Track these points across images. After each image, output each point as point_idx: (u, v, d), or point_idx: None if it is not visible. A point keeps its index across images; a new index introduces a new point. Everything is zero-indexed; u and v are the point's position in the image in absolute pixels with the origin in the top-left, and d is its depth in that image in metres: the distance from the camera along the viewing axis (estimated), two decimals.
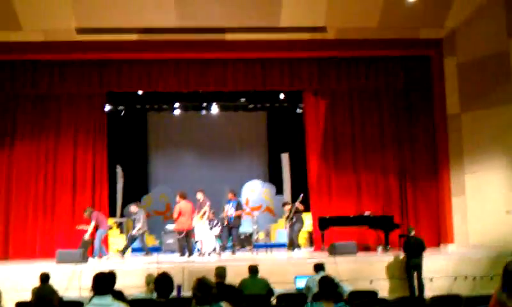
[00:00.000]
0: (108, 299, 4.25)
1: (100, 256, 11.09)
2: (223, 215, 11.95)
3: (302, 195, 11.88)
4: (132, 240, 11.94)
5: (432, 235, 12.04)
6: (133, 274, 9.03)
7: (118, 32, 11.37)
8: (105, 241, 11.84)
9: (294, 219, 11.72)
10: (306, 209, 12.30)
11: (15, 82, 11.96)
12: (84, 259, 10.14)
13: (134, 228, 11.85)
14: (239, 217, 11.80)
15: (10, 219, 11.70)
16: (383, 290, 8.46)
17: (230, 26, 11.47)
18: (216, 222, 11.95)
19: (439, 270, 9.81)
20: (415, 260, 9.43)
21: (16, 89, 12.04)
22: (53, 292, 4.16)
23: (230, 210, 11.75)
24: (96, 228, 11.06)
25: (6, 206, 11.74)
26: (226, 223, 11.78)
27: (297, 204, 11.75)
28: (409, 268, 9.44)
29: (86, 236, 10.97)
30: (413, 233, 9.88)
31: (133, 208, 12.09)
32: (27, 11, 10.71)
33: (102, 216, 11.38)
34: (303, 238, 13.32)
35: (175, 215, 11.14)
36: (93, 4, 10.66)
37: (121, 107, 15.24)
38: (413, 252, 9.50)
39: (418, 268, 9.42)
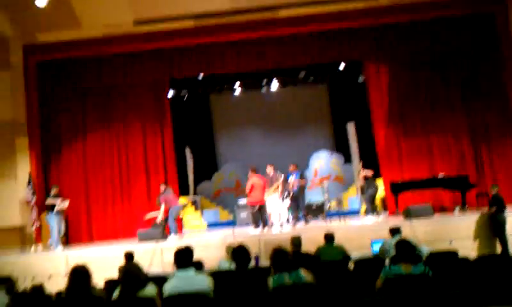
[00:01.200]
0: (191, 272, 4.45)
1: (177, 233, 11.40)
2: (287, 188, 12.00)
3: (361, 162, 11.68)
4: None
5: (511, 193, 11.52)
6: (212, 247, 9.39)
7: (174, 20, 11.56)
8: (178, 219, 12.09)
9: (366, 186, 11.58)
10: (376, 174, 12.10)
11: (81, 78, 12.49)
12: (163, 236, 10.60)
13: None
14: (302, 187, 11.81)
15: (91, 206, 12.37)
16: (463, 249, 8.19)
17: (282, 3, 11.40)
18: (286, 194, 12.04)
19: None
20: (503, 216, 9.15)
21: (83, 85, 12.56)
22: (139, 269, 4.40)
23: (293, 182, 11.78)
24: (167, 210, 11.34)
25: (86, 194, 12.39)
26: (291, 195, 11.83)
27: (363, 172, 11.60)
28: (500, 224, 9.15)
29: (158, 221, 11.23)
30: (496, 189, 9.53)
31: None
32: (85, 9, 11.08)
33: (170, 195, 11.51)
34: (377, 204, 13.15)
35: (248, 190, 11.30)
36: None
37: (184, 92, 15.57)
38: (501, 208, 9.22)
39: (504, 225, 9.11)
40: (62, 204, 10.93)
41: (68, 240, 11.79)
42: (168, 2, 11.05)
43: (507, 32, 11.63)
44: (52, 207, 10.82)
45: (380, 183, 12.42)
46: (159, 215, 11.24)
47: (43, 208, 11.36)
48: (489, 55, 12.10)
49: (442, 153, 12.10)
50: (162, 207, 11.26)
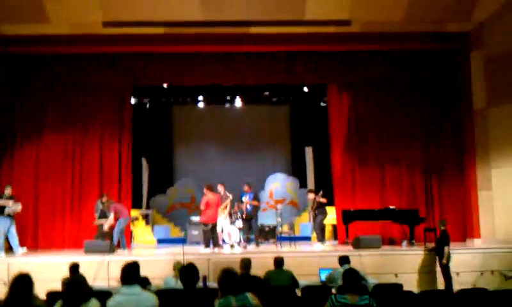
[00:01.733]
0: (136, 288, 4.36)
1: (118, 246, 11.16)
2: (240, 208, 12.02)
3: (321, 192, 11.85)
4: None
5: (458, 229, 11.93)
6: (160, 264, 9.26)
7: (144, 26, 11.44)
8: (127, 232, 11.93)
9: (317, 212, 11.71)
10: (330, 202, 12.29)
11: (42, 75, 12.16)
12: (111, 249, 10.31)
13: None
14: (255, 209, 11.83)
15: (39, 211, 11.93)
16: (408, 283, 8.40)
17: (254, 19, 11.46)
18: (238, 214, 12.06)
19: (465, 264, 9.76)
20: (448, 252, 9.36)
21: (44, 83, 12.23)
22: (83, 281, 4.28)
23: (247, 202, 11.79)
24: (116, 219, 11.16)
25: (35, 198, 11.96)
26: (244, 216, 11.85)
27: (318, 198, 11.73)
28: (448, 261, 9.37)
29: (105, 227, 11.07)
30: (444, 225, 9.74)
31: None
32: (55, 5, 10.83)
33: (121, 206, 11.46)
34: (327, 231, 13.31)
35: (202, 207, 11.24)
36: None
37: (146, 100, 15.42)
38: (447, 244, 9.43)
39: (448, 261, 9.39)
40: (14, 206, 10.47)
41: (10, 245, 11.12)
42: (140, 6, 10.93)
43: (468, 70, 12.08)
44: (1, 209, 10.36)
45: (332, 210, 12.60)
46: (106, 224, 11.03)
47: None
48: (449, 93, 12.52)
49: (394, 186, 12.38)
50: (111, 216, 11.03)
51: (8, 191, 10.58)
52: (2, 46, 11.77)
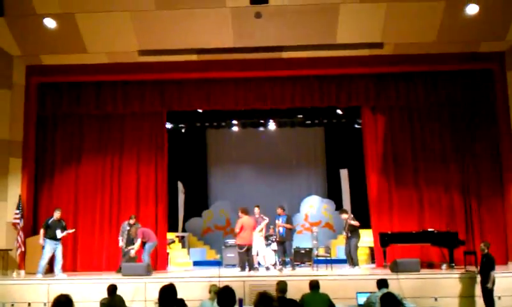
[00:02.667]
0: None
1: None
2: (270, 233, 12.05)
3: (352, 215, 11.79)
4: None
5: (500, 251, 11.50)
6: (196, 287, 9.29)
7: (177, 53, 11.69)
8: (159, 254, 12.09)
9: (350, 235, 11.58)
10: (367, 225, 12.13)
11: (81, 102, 12.48)
12: (148, 272, 10.44)
13: None
14: (289, 232, 11.79)
15: (78, 233, 12.16)
16: None
17: (286, 44, 11.57)
18: (274, 237, 12.05)
19: (507, 288, 9.46)
20: (493, 276, 8.99)
21: (83, 110, 12.56)
22: (122, 303, 4.36)
23: (280, 225, 11.78)
24: (143, 244, 11.25)
25: (74, 222, 12.22)
26: (278, 238, 11.84)
27: (350, 220, 11.61)
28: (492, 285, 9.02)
29: (132, 253, 11.09)
30: (488, 248, 9.38)
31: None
32: (92, 36, 11.21)
33: (148, 230, 11.51)
34: (364, 254, 13.12)
35: (237, 230, 11.32)
36: (154, 28, 11.03)
37: (181, 125, 15.66)
38: (492, 268, 9.07)
39: (493, 285, 9.03)
40: (67, 232, 10.97)
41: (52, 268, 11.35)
42: (173, 34, 11.18)
43: (505, 90, 11.85)
44: (51, 232, 10.67)
45: (369, 233, 12.43)
46: (133, 250, 11.13)
47: (29, 232, 11.25)
48: (485, 112, 12.29)
49: (432, 207, 12.12)
50: (139, 241, 11.13)
51: (56, 214, 10.89)
52: (42, 75, 12.27)
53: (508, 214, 11.72)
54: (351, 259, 11.52)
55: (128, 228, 11.46)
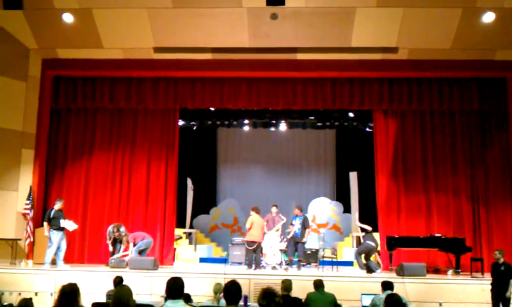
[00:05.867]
0: (180, 303, 4.47)
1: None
2: (289, 230, 12.12)
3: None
4: None
5: (508, 260, 11.45)
6: (201, 283, 9.37)
7: (192, 52, 11.81)
8: (172, 250, 12.29)
9: (362, 240, 11.63)
10: (374, 228, 12.15)
11: (95, 97, 12.61)
12: (154, 266, 10.56)
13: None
14: (303, 233, 11.86)
15: (86, 226, 12.32)
16: None
17: (301, 46, 11.62)
18: (282, 237, 12.14)
19: None
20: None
21: (96, 104, 12.69)
22: (129, 293, 4.43)
23: (296, 226, 11.88)
24: (127, 248, 11.36)
25: (83, 215, 12.37)
26: (291, 238, 11.92)
27: (361, 225, 11.65)
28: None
29: (127, 259, 11.09)
30: (503, 256, 9.15)
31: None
32: (108, 31, 11.36)
33: (138, 233, 11.56)
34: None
35: (248, 226, 11.45)
36: (169, 25, 11.15)
37: (193, 123, 15.77)
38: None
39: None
40: (69, 224, 11.07)
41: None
42: (189, 33, 11.28)
43: None
44: (56, 223, 10.84)
45: (377, 236, 12.44)
46: (125, 251, 11.29)
47: (38, 223, 11.40)
48: (497, 121, 12.26)
49: (440, 213, 12.10)
50: (131, 246, 11.23)
51: (58, 205, 11.06)
52: (58, 69, 12.45)
53: None
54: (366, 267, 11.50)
55: (114, 233, 11.48)
